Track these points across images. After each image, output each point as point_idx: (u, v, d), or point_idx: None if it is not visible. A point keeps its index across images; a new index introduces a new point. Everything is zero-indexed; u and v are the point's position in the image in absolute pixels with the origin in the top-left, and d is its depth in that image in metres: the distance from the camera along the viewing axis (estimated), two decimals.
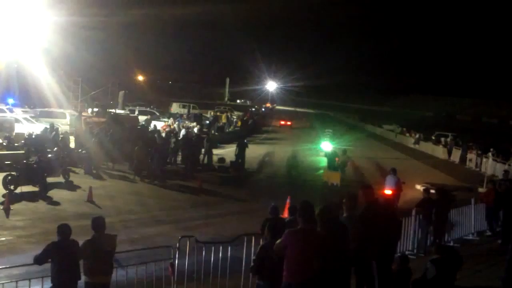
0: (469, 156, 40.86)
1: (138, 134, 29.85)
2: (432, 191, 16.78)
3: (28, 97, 49.20)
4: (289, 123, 74.97)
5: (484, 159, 37.39)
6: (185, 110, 61.53)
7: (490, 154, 36.90)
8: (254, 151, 36.56)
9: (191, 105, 67.42)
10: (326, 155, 32.52)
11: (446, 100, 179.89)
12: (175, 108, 64.29)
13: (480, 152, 39.13)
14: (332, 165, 28.85)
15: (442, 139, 52.48)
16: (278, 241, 7.31)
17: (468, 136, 54.27)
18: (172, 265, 9.90)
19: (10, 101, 48.58)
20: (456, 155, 43.57)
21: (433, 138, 55.43)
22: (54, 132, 27.74)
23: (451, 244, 15.16)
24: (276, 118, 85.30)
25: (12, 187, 19.38)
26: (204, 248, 10.51)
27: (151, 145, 26.32)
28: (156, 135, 30.39)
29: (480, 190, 20.85)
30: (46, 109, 40.39)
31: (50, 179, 20.87)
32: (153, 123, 38.74)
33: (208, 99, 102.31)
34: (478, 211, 17.56)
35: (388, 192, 19.40)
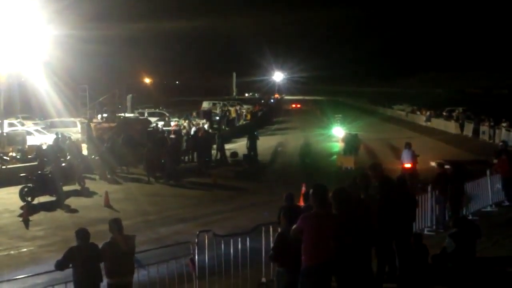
0: (481, 128, 40.65)
1: (148, 136, 30.00)
2: (447, 166, 16.73)
3: (36, 109, 49.45)
4: (299, 105, 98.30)
5: (497, 130, 37.19)
6: (216, 108, 60.94)
7: (502, 124, 36.71)
8: (266, 142, 36.55)
9: (222, 102, 67.33)
10: (344, 140, 32.43)
11: (454, 75, 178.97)
12: (205, 106, 63.93)
13: (493, 124, 38.89)
14: (349, 150, 28.83)
15: (454, 114, 52.21)
16: (294, 226, 7.34)
17: (479, 108, 53.90)
18: (193, 260, 9.95)
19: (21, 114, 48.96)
20: (468, 129, 43.34)
21: (444, 114, 55.16)
22: (68, 141, 27.91)
23: (470, 217, 15.11)
24: (287, 104, 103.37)
25: (29, 198, 19.56)
26: (222, 242, 10.56)
27: (162, 146, 26.37)
28: (166, 135, 30.46)
29: (495, 161, 20.78)
30: (57, 119, 40.62)
31: (66, 188, 21.04)
32: (161, 123, 38.93)
33: (215, 94, 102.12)
34: (494, 182, 17.49)
35: (408, 165, 21.26)
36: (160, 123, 39.06)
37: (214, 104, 63.99)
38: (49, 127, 38.24)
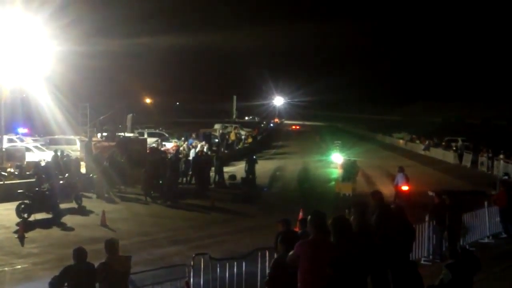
0: (480, 159, 40.68)
1: (147, 156, 29.99)
2: (445, 196, 16.73)
3: (37, 126, 49.65)
4: (298, 127, 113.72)
5: (496, 162, 37.22)
6: (227, 130, 61.02)
7: (501, 156, 36.76)
8: (265, 166, 36.55)
9: (234, 125, 67.65)
10: (342, 166, 32.38)
11: (454, 105, 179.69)
12: (218, 128, 64.12)
13: (491, 155, 38.94)
14: (347, 177, 28.77)
15: (453, 144, 52.32)
16: (291, 252, 7.31)
17: (478, 139, 53.98)
18: (188, 283, 9.90)
19: (21, 130, 49.10)
20: (467, 160, 43.37)
21: (443, 143, 55.24)
22: (65, 158, 27.91)
23: (467, 247, 15.06)
24: (287, 126, 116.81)
25: (25, 215, 19.49)
26: (218, 265, 10.51)
27: (160, 166, 26.32)
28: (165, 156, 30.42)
29: (493, 192, 20.84)
30: (56, 136, 40.70)
31: (63, 205, 20.98)
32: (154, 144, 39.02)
33: (215, 116, 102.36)
34: (492, 214, 17.48)
35: (405, 188, 23.22)
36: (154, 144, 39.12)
37: (225, 127, 64.24)
38: (49, 144, 38.29)
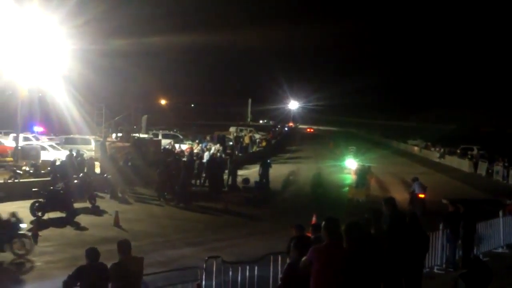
0: (495, 168, 40.38)
1: (161, 157, 30.09)
2: (459, 204, 16.60)
3: (53, 125, 50.03)
4: (312, 130, 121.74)
5: (511, 171, 36.94)
6: (242, 133, 61.20)
7: None
8: (278, 171, 36.51)
9: (249, 129, 67.77)
10: (356, 172, 32.25)
11: (469, 112, 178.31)
12: (233, 131, 64.34)
13: (507, 164, 38.65)
14: (361, 183, 28.69)
15: (469, 152, 51.99)
16: (304, 257, 7.29)
17: (493, 148, 53.60)
18: (199, 286, 9.90)
19: (37, 128, 49.50)
20: (482, 168, 43.06)
21: (458, 151, 54.90)
22: (79, 158, 28.05)
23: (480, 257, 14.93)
24: (302, 130, 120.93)
25: (39, 213, 19.60)
26: (230, 269, 10.51)
27: (174, 168, 26.38)
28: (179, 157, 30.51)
29: (508, 202, 20.64)
30: (71, 135, 40.94)
31: (77, 205, 21.08)
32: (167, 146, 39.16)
33: (230, 119, 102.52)
34: (506, 223, 17.32)
35: (422, 195, 24.15)
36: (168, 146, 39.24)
37: (241, 130, 64.32)
38: (64, 143, 38.51)
